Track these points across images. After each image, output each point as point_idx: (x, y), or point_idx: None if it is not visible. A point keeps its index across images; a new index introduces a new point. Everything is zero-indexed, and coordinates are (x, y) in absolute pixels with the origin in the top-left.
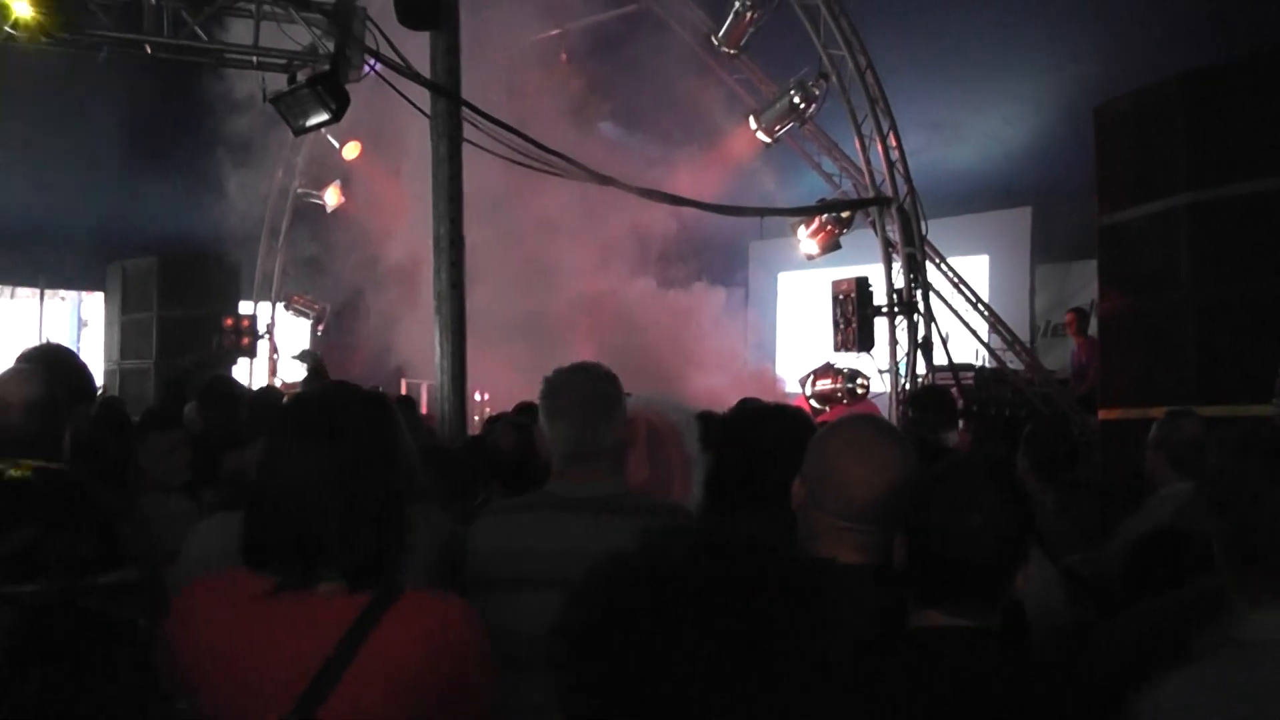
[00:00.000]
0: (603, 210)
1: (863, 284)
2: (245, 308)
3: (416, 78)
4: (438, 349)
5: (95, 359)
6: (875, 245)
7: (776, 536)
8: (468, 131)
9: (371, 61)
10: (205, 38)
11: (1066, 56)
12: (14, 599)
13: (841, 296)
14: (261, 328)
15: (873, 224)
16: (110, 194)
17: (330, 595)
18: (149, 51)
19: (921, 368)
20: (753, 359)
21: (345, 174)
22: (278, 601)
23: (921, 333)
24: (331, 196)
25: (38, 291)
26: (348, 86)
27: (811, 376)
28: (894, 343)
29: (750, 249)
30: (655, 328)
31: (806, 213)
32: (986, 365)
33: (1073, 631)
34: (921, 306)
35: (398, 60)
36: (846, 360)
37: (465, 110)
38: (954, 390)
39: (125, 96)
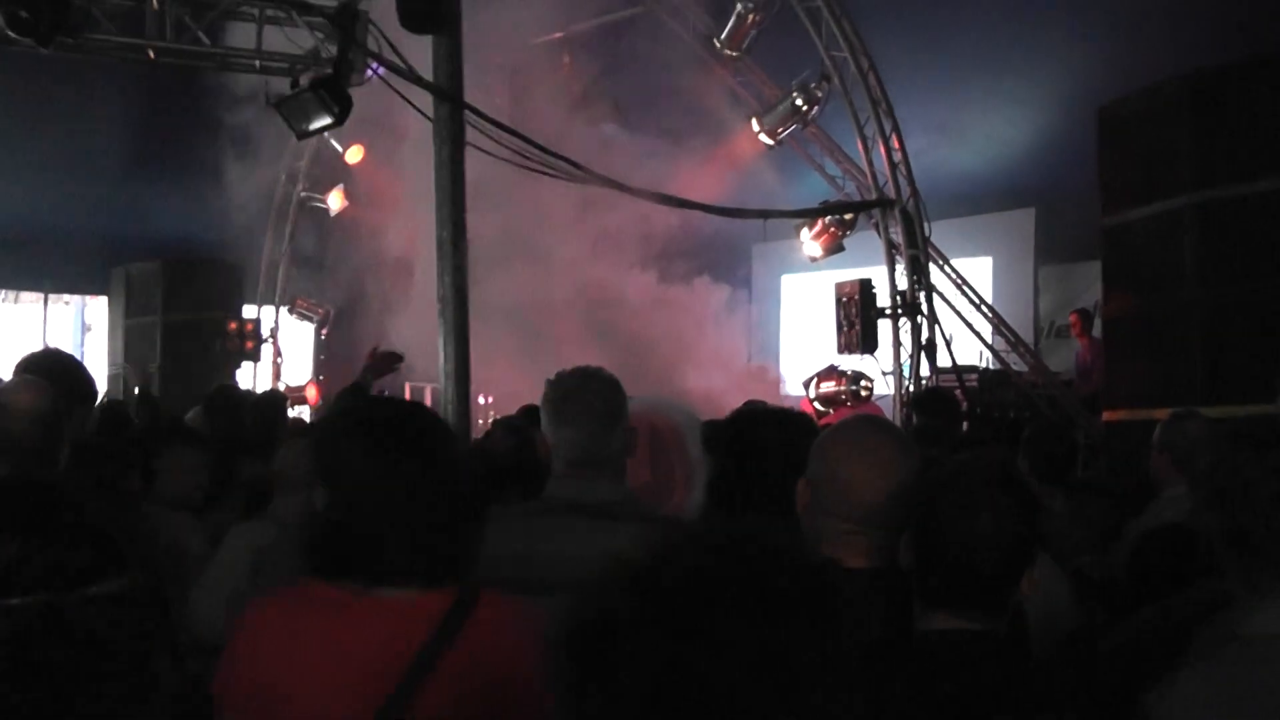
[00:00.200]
0: (603, 204)
1: (866, 286)
2: (249, 311)
3: (419, 81)
4: (441, 353)
5: (99, 364)
6: (878, 247)
7: (783, 539)
8: (471, 134)
9: (374, 65)
10: (208, 42)
11: (1069, 57)
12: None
13: (845, 298)
14: (265, 331)
15: (876, 226)
16: (114, 198)
17: (409, 600)
18: (152, 56)
19: (925, 370)
20: (755, 361)
21: (348, 177)
22: (358, 607)
23: (925, 335)
24: (335, 200)
25: (41, 296)
26: (350, 90)
27: (815, 379)
28: (897, 345)
29: (753, 251)
30: (656, 323)
31: (809, 215)
32: (990, 367)
33: (1080, 634)
34: (925, 308)
35: (400, 64)
36: (850, 362)
37: (468, 113)
38: (958, 392)
39: (128, 101)
